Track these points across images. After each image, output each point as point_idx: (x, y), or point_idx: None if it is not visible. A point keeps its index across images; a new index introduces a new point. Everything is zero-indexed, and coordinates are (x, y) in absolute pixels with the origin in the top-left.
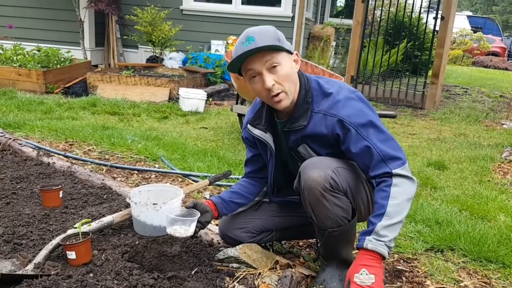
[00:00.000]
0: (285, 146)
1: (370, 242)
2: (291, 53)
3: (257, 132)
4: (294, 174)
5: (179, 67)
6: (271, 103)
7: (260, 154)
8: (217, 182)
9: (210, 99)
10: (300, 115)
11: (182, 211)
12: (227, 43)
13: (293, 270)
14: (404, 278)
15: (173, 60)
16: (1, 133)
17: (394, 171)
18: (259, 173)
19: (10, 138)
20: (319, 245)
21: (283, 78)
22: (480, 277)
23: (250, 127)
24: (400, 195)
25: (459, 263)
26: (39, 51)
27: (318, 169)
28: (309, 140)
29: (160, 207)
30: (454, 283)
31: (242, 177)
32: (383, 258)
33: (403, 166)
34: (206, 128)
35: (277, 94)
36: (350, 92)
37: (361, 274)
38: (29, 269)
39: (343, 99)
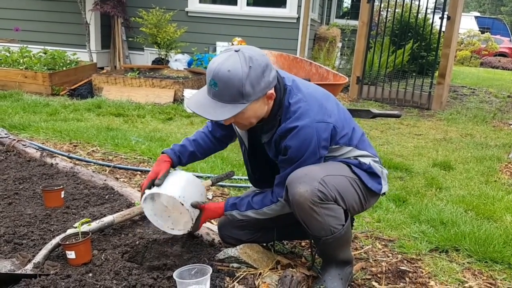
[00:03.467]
0: (261, 146)
1: (231, 213)
2: (263, 95)
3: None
4: (271, 168)
5: (184, 68)
6: None
7: (233, 132)
8: (220, 183)
9: None
10: (267, 129)
11: (191, 269)
12: (233, 44)
13: (294, 270)
14: (407, 279)
15: (178, 62)
16: (6, 134)
17: (280, 199)
18: (221, 136)
19: (14, 139)
20: (315, 250)
21: (243, 120)
22: (485, 278)
23: None
24: (272, 211)
25: (464, 263)
26: (45, 53)
27: (304, 183)
28: (275, 151)
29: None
30: (459, 284)
31: (205, 127)
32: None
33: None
34: None
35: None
36: (312, 121)
37: None
38: (28, 268)
39: (299, 128)
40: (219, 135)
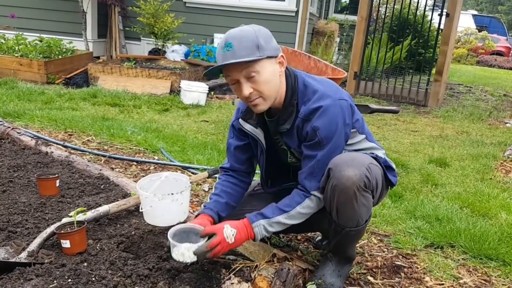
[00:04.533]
0: (276, 142)
1: (258, 228)
2: (274, 56)
3: (248, 127)
4: (287, 164)
5: (181, 59)
6: (249, 106)
7: (249, 143)
8: (216, 175)
9: (212, 93)
10: (286, 118)
11: (183, 229)
12: None
13: (290, 263)
14: (402, 274)
15: (175, 52)
16: (0, 121)
17: (313, 192)
18: (244, 164)
19: (9, 127)
20: (329, 241)
21: (261, 85)
22: (480, 274)
23: (241, 121)
24: (307, 210)
25: (459, 260)
26: (41, 41)
27: (353, 167)
28: (297, 140)
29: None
30: (454, 280)
31: (223, 175)
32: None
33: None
34: (207, 121)
35: (254, 99)
36: (334, 99)
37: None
38: (22, 257)
39: (324, 107)
40: (240, 168)
